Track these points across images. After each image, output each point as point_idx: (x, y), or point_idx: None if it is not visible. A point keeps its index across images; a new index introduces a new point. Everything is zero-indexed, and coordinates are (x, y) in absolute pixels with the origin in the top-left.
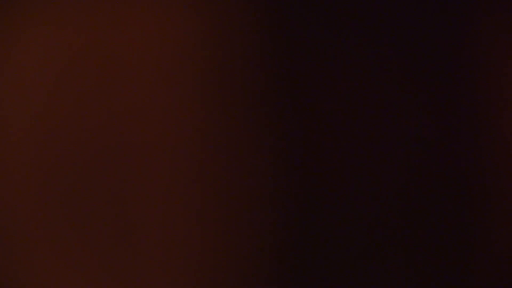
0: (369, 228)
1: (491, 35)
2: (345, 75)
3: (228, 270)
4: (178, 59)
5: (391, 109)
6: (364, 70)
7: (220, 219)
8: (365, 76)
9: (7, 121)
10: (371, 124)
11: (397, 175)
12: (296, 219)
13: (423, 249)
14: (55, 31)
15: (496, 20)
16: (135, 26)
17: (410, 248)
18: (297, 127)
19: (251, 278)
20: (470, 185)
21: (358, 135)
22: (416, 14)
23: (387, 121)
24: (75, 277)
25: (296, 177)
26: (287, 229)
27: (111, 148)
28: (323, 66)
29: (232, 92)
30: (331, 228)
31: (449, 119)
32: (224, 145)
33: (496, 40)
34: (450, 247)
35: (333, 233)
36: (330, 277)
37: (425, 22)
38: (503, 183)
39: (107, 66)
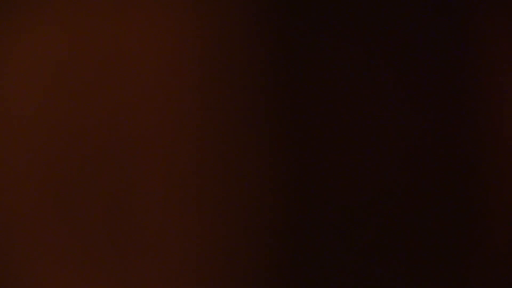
0: (368, 227)
1: (491, 36)
2: (345, 75)
3: (227, 269)
4: (177, 57)
5: (391, 109)
6: (365, 70)
7: (219, 218)
8: (366, 77)
9: (6, 121)
10: (372, 124)
11: (396, 175)
12: (295, 219)
13: (423, 249)
14: (54, 30)
15: (496, 21)
16: (134, 25)
17: (410, 248)
18: (297, 127)
19: (251, 278)
20: (470, 185)
21: (358, 135)
22: (417, 15)
23: (387, 121)
24: (74, 276)
25: (295, 176)
26: (286, 229)
27: (110, 148)
28: (323, 65)
29: (232, 92)
30: (331, 228)
31: (449, 119)
32: (224, 144)
33: (496, 40)
34: (449, 247)
35: (333, 233)
36: (329, 277)
37: (425, 22)
38: (503, 183)
39: (106, 65)
